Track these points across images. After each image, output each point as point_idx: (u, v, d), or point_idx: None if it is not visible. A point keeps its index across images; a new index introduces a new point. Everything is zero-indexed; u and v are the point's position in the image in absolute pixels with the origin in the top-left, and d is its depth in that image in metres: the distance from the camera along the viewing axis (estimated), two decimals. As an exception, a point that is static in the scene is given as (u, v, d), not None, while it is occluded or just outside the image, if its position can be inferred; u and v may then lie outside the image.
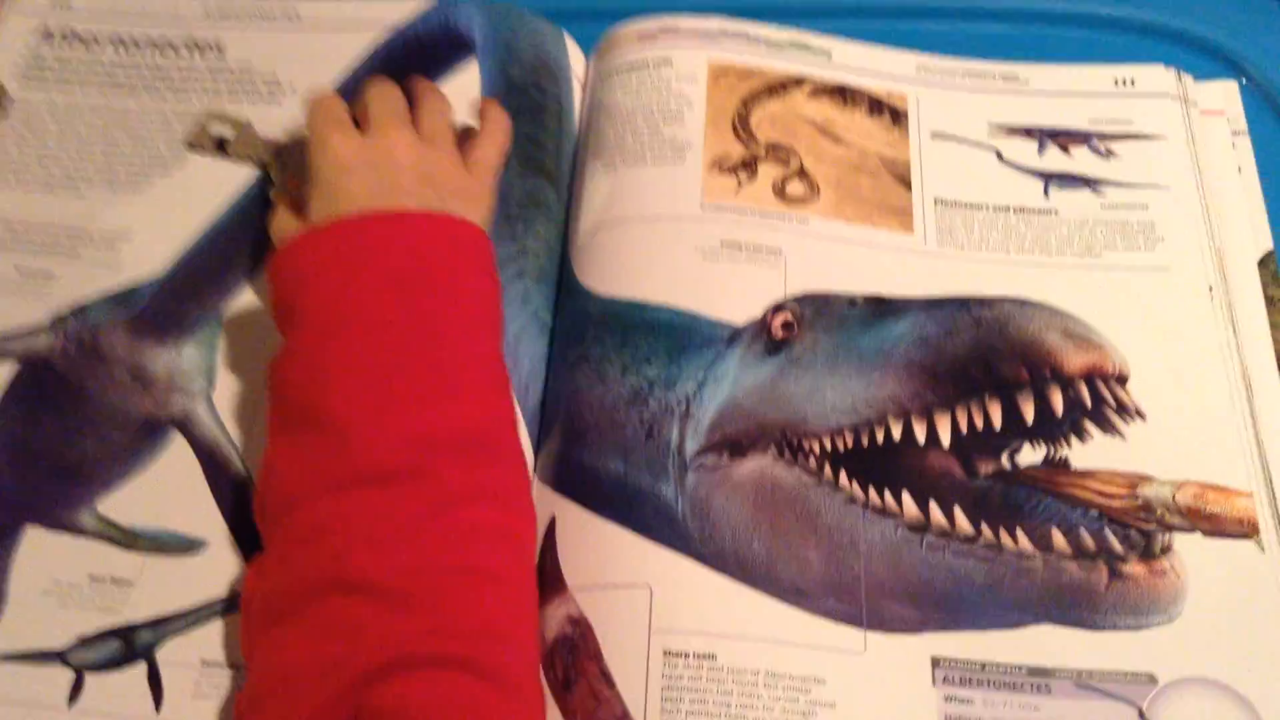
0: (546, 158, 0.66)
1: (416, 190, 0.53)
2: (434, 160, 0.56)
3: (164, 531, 0.55)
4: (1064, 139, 0.67)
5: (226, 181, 0.65)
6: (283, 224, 0.56)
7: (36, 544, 0.55)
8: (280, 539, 0.47)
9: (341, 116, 0.57)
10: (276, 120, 0.68)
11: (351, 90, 0.68)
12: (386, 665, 0.41)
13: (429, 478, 0.46)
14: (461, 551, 0.45)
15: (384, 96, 0.58)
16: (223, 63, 0.71)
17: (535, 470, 0.57)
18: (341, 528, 0.45)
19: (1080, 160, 0.66)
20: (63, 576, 0.54)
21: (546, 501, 0.55)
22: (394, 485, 0.45)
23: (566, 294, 0.62)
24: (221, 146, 0.65)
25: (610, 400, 0.57)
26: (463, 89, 0.68)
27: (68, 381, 0.59)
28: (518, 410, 0.56)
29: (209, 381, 0.59)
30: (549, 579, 0.53)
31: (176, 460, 0.57)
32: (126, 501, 0.56)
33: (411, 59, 0.69)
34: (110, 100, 0.69)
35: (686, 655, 0.50)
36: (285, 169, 0.63)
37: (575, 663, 0.50)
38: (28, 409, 0.58)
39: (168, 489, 0.56)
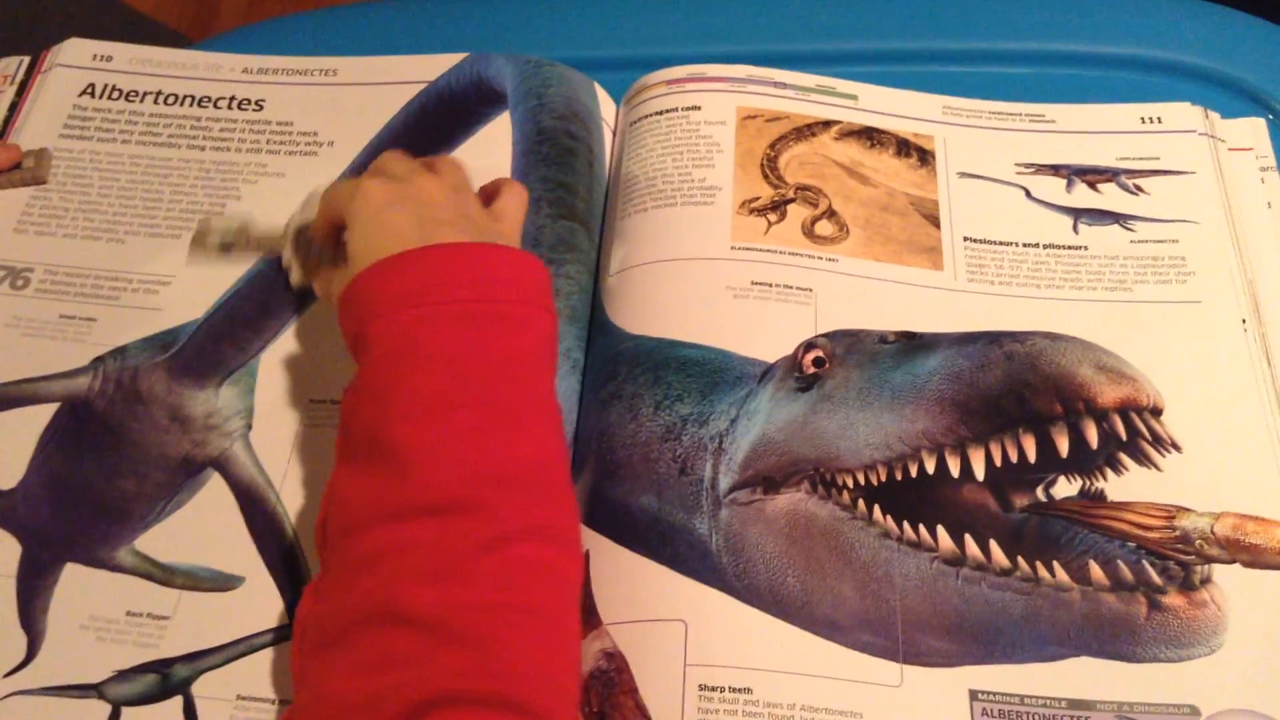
0: (578, 201, 0.67)
1: (457, 222, 0.54)
2: (466, 202, 0.57)
3: (200, 567, 0.55)
4: (1092, 176, 0.67)
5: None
6: (329, 280, 0.57)
7: (75, 580, 0.55)
8: (337, 564, 0.47)
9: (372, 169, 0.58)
10: (316, 171, 0.69)
11: (388, 144, 0.69)
12: (430, 702, 0.41)
13: (483, 512, 0.46)
14: (511, 588, 0.45)
15: (400, 157, 0.59)
16: (262, 116, 0.72)
17: (569, 507, 0.57)
18: (395, 558, 0.45)
19: (1109, 196, 0.66)
20: (100, 612, 0.54)
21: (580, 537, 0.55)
22: (449, 518, 0.46)
23: (598, 332, 0.63)
24: (227, 250, 0.65)
25: (643, 437, 0.58)
26: (494, 140, 0.69)
27: (107, 422, 0.60)
28: None
29: (246, 423, 0.60)
30: (584, 613, 0.53)
31: (214, 498, 0.58)
32: (164, 538, 0.56)
33: (445, 112, 0.71)
34: (151, 152, 0.71)
35: (722, 689, 0.50)
36: (306, 246, 0.63)
37: (611, 697, 0.50)
38: (68, 449, 0.59)
39: (205, 526, 0.57)
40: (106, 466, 0.58)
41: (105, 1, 1.15)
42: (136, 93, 0.73)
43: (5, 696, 0.52)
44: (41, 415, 0.60)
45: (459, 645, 0.43)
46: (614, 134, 0.72)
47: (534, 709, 0.43)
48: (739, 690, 0.50)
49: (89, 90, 0.74)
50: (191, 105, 0.73)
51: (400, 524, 0.45)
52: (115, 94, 0.73)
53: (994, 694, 0.50)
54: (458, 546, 0.45)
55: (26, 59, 0.76)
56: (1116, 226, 0.65)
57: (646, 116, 0.70)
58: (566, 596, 0.49)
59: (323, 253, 0.60)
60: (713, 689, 0.50)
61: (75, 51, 0.75)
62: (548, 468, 0.50)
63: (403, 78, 0.73)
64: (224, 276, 0.65)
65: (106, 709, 0.52)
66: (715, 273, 0.62)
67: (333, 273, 0.58)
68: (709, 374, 0.59)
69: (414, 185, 0.55)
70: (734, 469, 0.56)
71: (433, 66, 0.73)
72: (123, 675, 0.53)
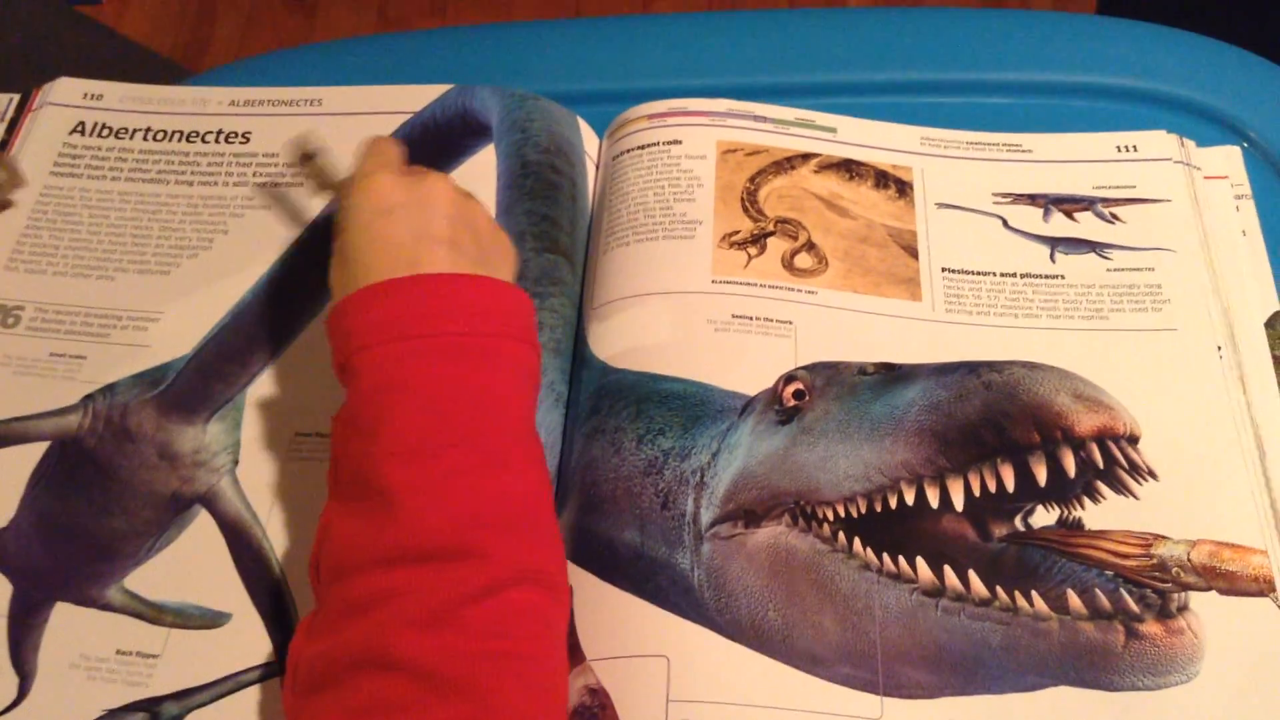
0: (562, 235, 0.67)
1: (455, 237, 0.54)
2: (473, 210, 0.57)
3: (189, 605, 0.56)
4: (1068, 205, 0.68)
5: (251, 264, 0.67)
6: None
7: (65, 619, 0.56)
8: (330, 605, 0.47)
9: (393, 160, 0.58)
10: (300, 204, 0.70)
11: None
12: None
13: (475, 558, 0.46)
14: (504, 636, 0.45)
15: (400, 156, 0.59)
16: (248, 149, 0.73)
17: (553, 541, 0.58)
18: (386, 603, 0.45)
19: (1086, 225, 0.67)
20: (90, 651, 0.55)
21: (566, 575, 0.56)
22: (441, 564, 0.46)
23: (581, 365, 0.63)
24: (307, 159, 0.65)
25: (626, 471, 0.58)
26: (479, 172, 0.70)
27: (97, 460, 0.60)
28: None
29: (234, 458, 0.61)
30: (568, 650, 0.53)
31: (201, 535, 0.58)
32: (153, 576, 0.57)
33: (430, 142, 0.72)
34: (140, 188, 0.71)
35: (704, 723, 0.50)
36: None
37: (594, 732, 0.51)
38: (58, 487, 0.60)
39: (193, 563, 0.57)
40: (96, 505, 0.59)
41: (100, 32, 1.16)
42: (126, 130, 0.74)
43: (-4, 737, 0.53)
44: (31, 454, 0.61)
45: (452, 694, 0.43)
46: (597, 167, 0.73)
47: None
48: (721, 724, 0.50)
49: (79, 128, 0.74)
50: (180, 140, 0.74)
51: (392, 569, 0.46)
52: (105, 131, 0.74)
53: (973, 724, 0.51)
54: (450, 593, 0.45)
55: (16, 97, 0.76)
56: (1093, 255, 0.66)
57: (628, 151, 0.71)
58: (556, 639, 0.49)
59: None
60: (695, 723, 0.51)
61: (66, 90, 0.76)
62: (535, 507, 0.51)
63: (387, 108, 0.74)
64: (211, 312, 0.66)
65: (97, 749, 0.52)
66: (696, 306, 0.63)
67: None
68: (691, 407, 0.60)
69: (425, 185, 0.55)
70: (715, 503, 0.57)
71: (417, 97, 0.74)
72: (112, 715, 0.53)
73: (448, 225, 0.54)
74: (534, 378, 0.54)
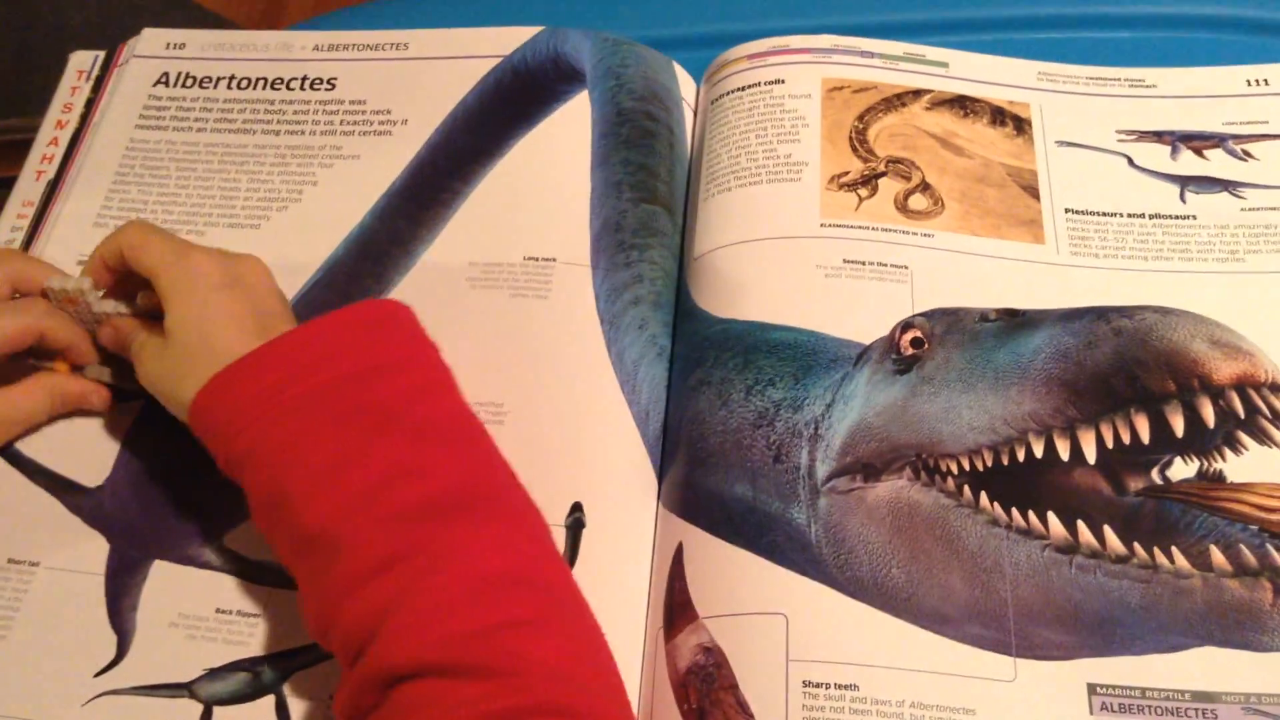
0: (659, 184, 0.65)
1: (280, 309, 0.53)
2: (279, 294, 0.56)
3: (289, 565, 0.54)
4: (1197, 142, 0.64)
5: (343, 215, 0.66)
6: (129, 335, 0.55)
7: (163, 577, 0.55)
8: (339, 656, 0.45)
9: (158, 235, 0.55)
10: (391, 151, 0.68)
11: (463, 121, 0.68)
12: None
13: (424, 554, 0.44)
14: (491, 609, 0.43)
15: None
16: (334, 96, 0.71)
17: (660, 497, 0.56)
18: (369, 628, 0.43)
19: (1217, 163, 0.64)
20: (189, 609, 0.54)
21: (673, 528, 0.54)
22: (397, 569, 0.43)
23: (684, 318, 0.61)
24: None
25: (734, 423, 0.56)
26: (573, 118, 0.68)
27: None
28: (629, 433, 0.56)
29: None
30: (678, 606, 0.51)
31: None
32: (252, 535, 0.55)
33: (521, 88, 0.69)
34: (226, 139, 0.70)
35: (827, 686, 0.48)
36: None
37: (710, 693, 0.49)
38: (153, 447, 0.59)
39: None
40: (191, 463, 0.58)
41: (175, 1, 1.16)
42: (210, 79, 0.73)
43: (95, 697, 0.52)
44: (127, 412, 0.60)
45: (471, 676, 0.41)
46: (695, 113, 0.70)
47: (567, 708, 0.41)
48: (845, 687, 0.48)
49: (163, 79, 0.73)
50: (264, 88, 0.72)
51: (358, 595, 0.43)
52: (189, 81, 0.73)
53: (1113, 687, 0.48)
54: (421, 593, 0.43)
55: (101, 54, 0.75)
56: (1226, 194, 0.62)
57: (728, 93, 0.68)
58: (549, 600, 0.46)
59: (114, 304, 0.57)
60: (817, 685, 0.48)
61: (150, 42, 0.75)
62: (471, 484, 0.47)
63: (477, 52, 0.71)
64: (304, 267, 0.64)
65: (198, 708, 0.51)
66: (805, 252, 0.60)
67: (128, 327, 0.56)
68: (801, 357, 0.57)
69: (241, 267, 0.53)
70: (831, 456, 0.54)
71: (507, 40, 0.71)
72: (214, 673, 0.52)
73: (272, 300, 0.53)
74: (430, 368, 0.51)
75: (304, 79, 0.72)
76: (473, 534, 0.45)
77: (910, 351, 0.56)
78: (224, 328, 0.50)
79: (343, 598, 0.44)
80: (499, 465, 0.50)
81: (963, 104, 0.66)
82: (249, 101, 0.72)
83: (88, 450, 0.59)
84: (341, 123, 0.70)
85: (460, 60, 0.71)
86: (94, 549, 0.56)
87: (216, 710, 0.51)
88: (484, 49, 0.71)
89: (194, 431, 0.50)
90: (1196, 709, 0.48)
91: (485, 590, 0.43)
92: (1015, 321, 0.56)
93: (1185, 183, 0.63)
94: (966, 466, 0.53)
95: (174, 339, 0.51)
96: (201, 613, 0.53)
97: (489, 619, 0.43)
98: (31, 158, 0.70)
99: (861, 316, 0.58)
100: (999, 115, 0.66)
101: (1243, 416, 0.52)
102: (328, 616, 0.44)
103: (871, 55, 0.68)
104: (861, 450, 0.54)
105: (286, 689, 0.51)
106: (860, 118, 0.65)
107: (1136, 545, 0.51)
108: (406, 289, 0.63)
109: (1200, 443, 0.52)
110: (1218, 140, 0.64)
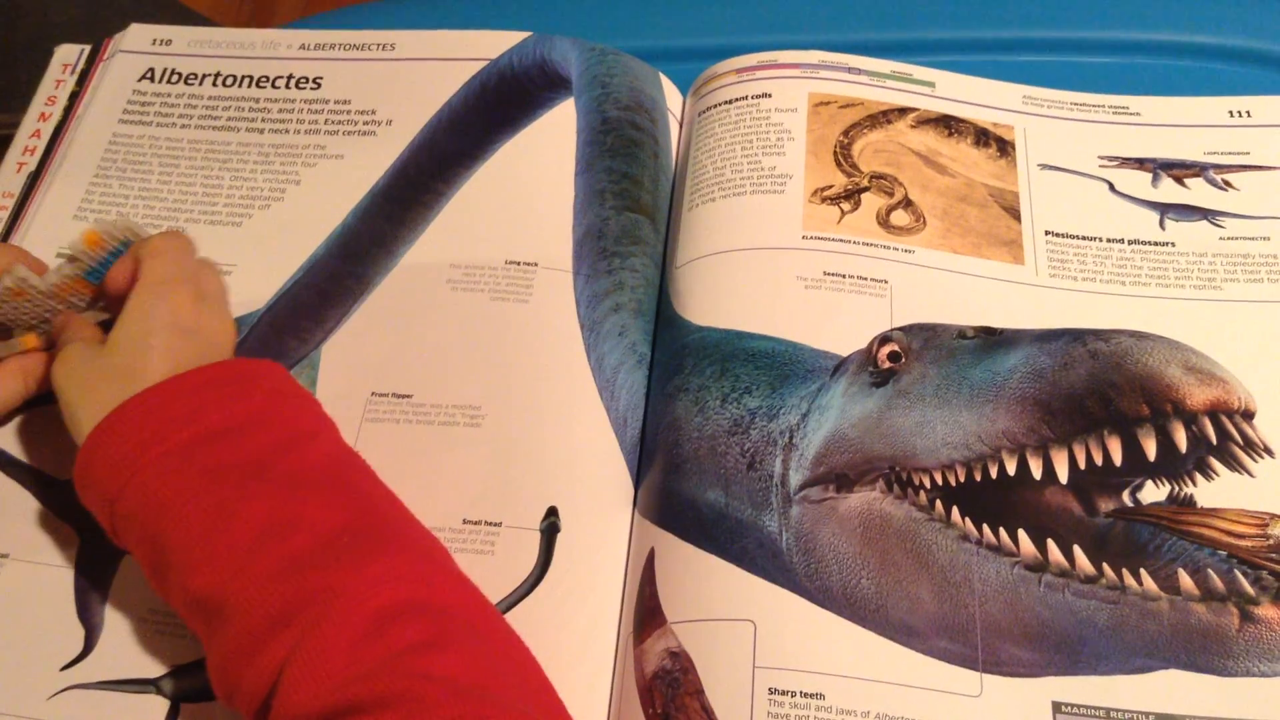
0: (643, 194, 0.65)
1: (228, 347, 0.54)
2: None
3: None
4: (1178, 170, 0.65)
5: (325, 216, 0.66)
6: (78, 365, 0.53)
7: (133, 572, 0.54)
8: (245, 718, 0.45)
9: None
10: (375, 151, 0.68)
11: (448, 123, 0.68)
12: None
13: (312, 603, 0.43)
14: (386, 641, 0.42)
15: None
16: (319, 95, 0.71)
17: (635, 503, 0.56)
18: (274, 683, 0.42)
19: (1197, 192, 0.64)
20: (158, 604, 0.53)
21: (647, 534, 0.54)
22: (289, 624, 0.43)
23: (664, 325, 0.61)
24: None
25: (710, 430, 0.56)
26: (558, 124, 0.68)
27: (166, 409, 0.59)
28: (606, 439, 0.55)
29: (306, 414, 0.59)
30: (648, 612, 0.51)
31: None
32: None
33: (507, 92, 0.69)
34: (210, 136, 0.70)
35: (793, 693, 0.48)
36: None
37: (676, 698, 0.48)
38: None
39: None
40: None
41: (163, 2, 1.16)
42: (195, 75, 0.73)
43: (62, 690, 0.51)
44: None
45: (373, 711, 0.40)
46: (680, 125, 0.70)
47: None
48: (811, 695, 0.48)
49: (149, 75, 0.73)
50: (249, 86, 0.72)
51: (251, 657, 0.43)
52: (174, 77, 0.73)
53: (1078, 706, 0.48)
54: (316, 639, 0.42)
55: (87, 48, 0.75)
56: (1205, 223, 0.63)
57: (715, 106, 0.68)
58: (453, 611, 0.46)
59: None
60: (783, 693, 0.48)
61: (137, 37, 0.75)
62: (356, 522, 0.47)
63: (463, 55, 0.71)
64: (285, 265, 0.64)
65: (165, 704, 0.50)
66: (786, 262, 0.60)
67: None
68: (779, 366, 0.57)
69: (212, 322, 0.54)
70: (805, 465, 0.54)
71: (495, 44, 0.71)
72: (181, 670, 0.51)
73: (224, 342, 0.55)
74: (303, 416, 0.51)
75: (289, 78, 0.72)
76: (356, 574, 0.44)
77: (887, 365, 0.56)
78: (159, 364, 0.50)
79: (239, 661, 0.43)
80: (380, 500, 0.50)
81: (948, 124, 0.67)
82: (234, 99, 0.71)
83: (58, 442, 0.58)
84: (326, 122, 0.70)
85: (446, 62, 0.71)
86: (64, 542, 0.55)
87: (183, 706, 0.51)
88: (471, 52, 0.71)
89: (79, 492, 0.49)
90: (1160, 731, 0.48)
91: (377, 624, 0.43)
92: (992, 340, 0.56)
93: (1165, 210, 0.63)
94: (939, 481, 0.53)
95: (110, 350, 0.51)
96: (170, 608, 0.53)
97: (385, 651, 0.42)
98: (13, 150, 0.70)
99: (840, 329, 0.58)
100: (983, 136, 0.66)
101: (1215, 442, 0.53)
102: (230, 681, 0.44)
103: (859, 72, 0.68)
104: (835, 460, 0.54)
105: (250, 682, 0.51)
106: (845, 133, 0.66)
107: (1105, 566, 0.51)
108: (387, 290, 0.62)
109: (1172, 467, 0.53)
110: (1199, 169, 0.65)
